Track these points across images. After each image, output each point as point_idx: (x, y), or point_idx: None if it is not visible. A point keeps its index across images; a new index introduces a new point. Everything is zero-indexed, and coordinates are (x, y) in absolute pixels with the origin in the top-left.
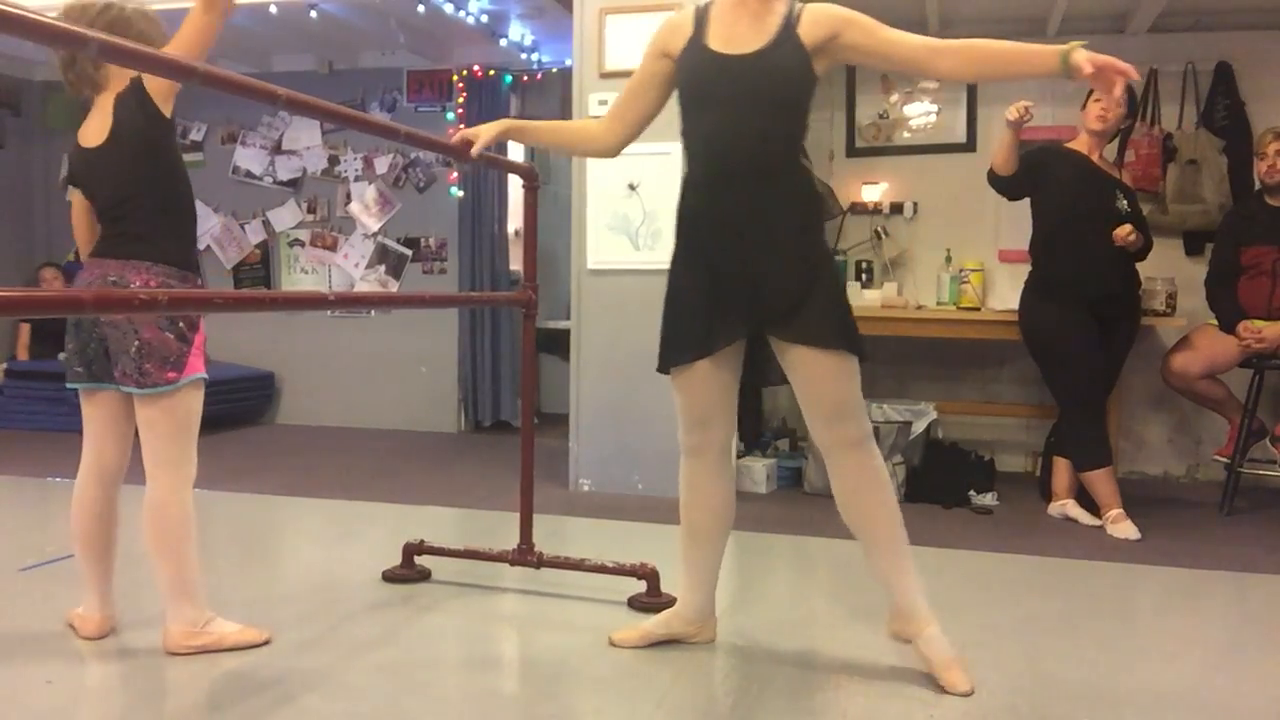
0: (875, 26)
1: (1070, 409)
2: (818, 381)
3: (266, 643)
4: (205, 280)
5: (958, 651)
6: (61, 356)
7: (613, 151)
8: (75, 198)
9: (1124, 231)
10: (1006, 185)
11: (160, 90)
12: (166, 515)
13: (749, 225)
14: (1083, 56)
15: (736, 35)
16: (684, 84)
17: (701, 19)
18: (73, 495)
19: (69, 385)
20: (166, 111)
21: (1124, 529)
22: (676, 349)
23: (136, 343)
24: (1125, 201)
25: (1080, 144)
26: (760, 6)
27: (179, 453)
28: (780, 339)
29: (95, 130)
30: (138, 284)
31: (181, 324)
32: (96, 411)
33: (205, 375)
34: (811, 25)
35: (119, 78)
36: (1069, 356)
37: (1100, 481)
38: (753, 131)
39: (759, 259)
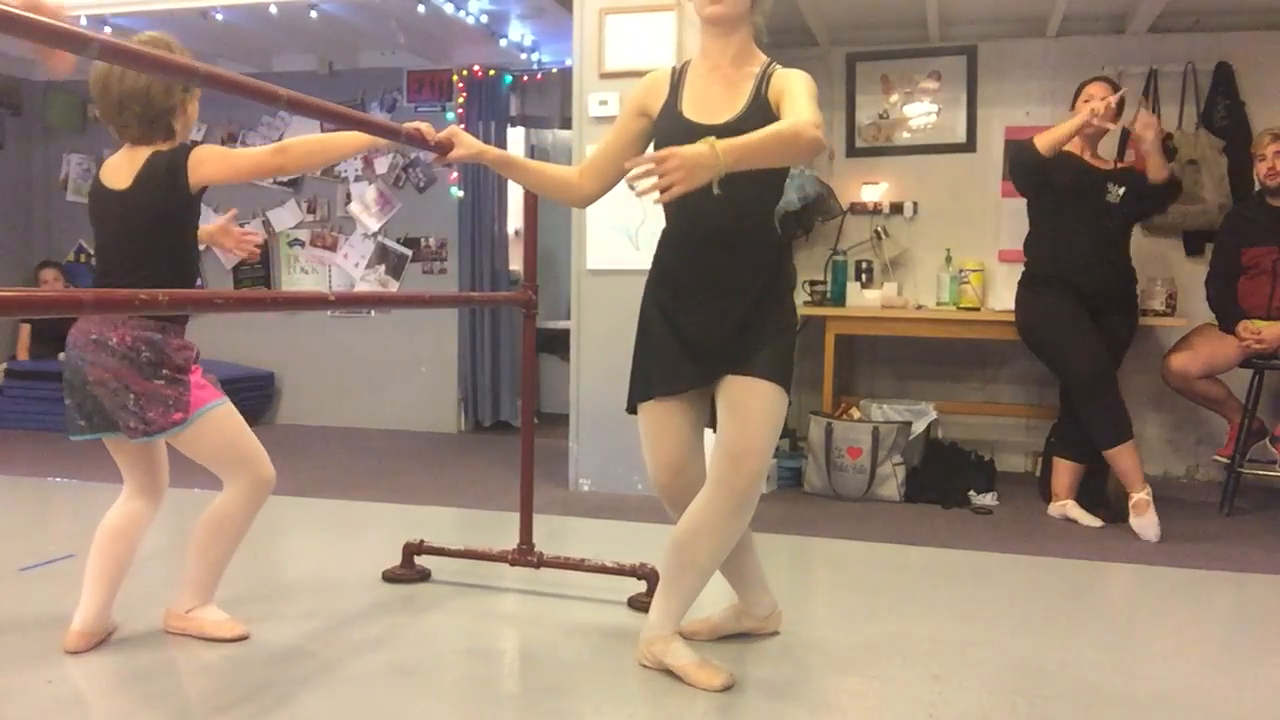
0: (796, 96)
1: (1080, 391)
2: (740, 408)
3: (243, 638)
4: (202, 283)
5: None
6: (61, 357)
7: (585, 203)
8: None
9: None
10: (1032, 169)
11: (203, 175)
12: (219, 520)
13: (719, 288)
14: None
15: (710, 102)
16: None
17: (678, 82)
18: (113, 504)
19: (72, 437)
20: (194, 186)
21: (1146, 523)
22: (643, 387)
23: (132, 396)
24: (1119, 189)
25: (1072, 145)
26: (734, 73)
27: (234, 469)
28: (723, 373)
29: (119, 174)
30: (114, 339)
31: (165, 371)
32: (118, 455)
33: (218, 402)
34: (775, 84)
35: (164, 139)
36: (1064, 339)
37: (1125, 457)
38: (723, 202)
39: (726, 320)
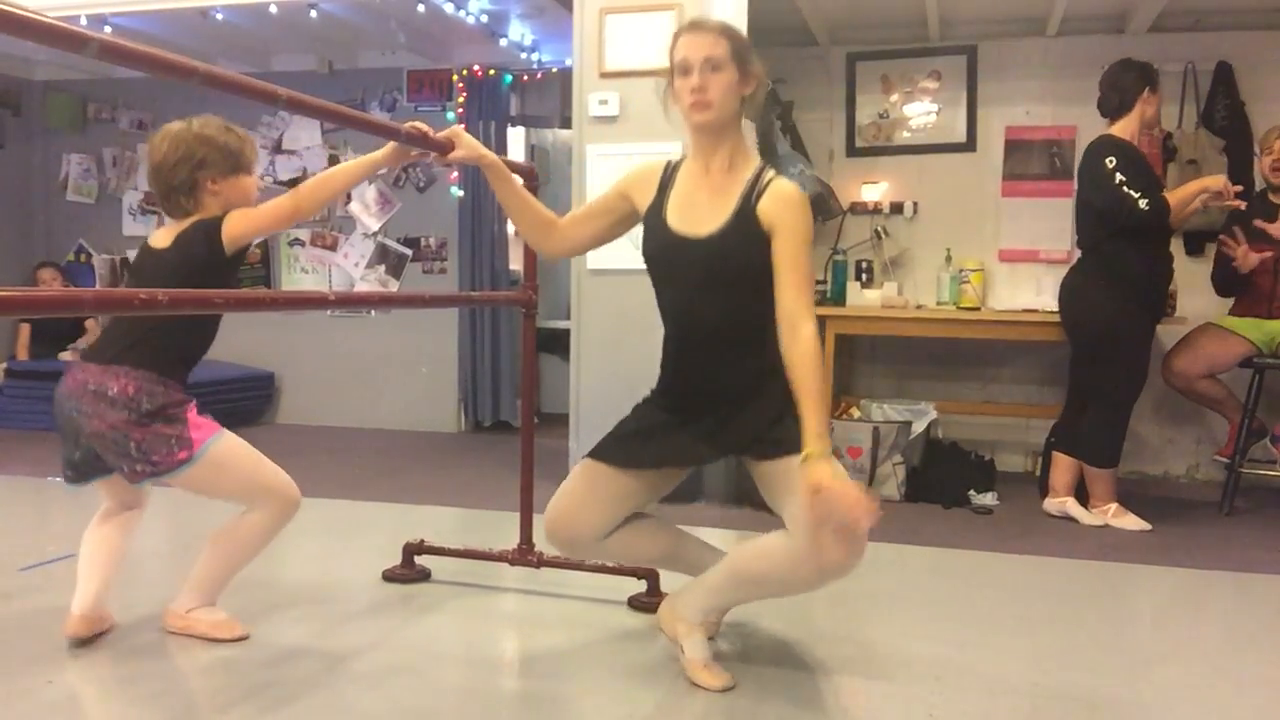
0: (796, 249)
1: (1110, 406)
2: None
3: (243, 638)
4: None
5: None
6: (63, 357)
7: (552, 254)
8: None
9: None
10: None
11: (232, 234)
12: (242, 533)
13: (716, 393)
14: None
15: (696, 209)
16: (647, 256)
17: (667, 181)
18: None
19: (69, 487)
20: (229, 249)
21: (1131, 521)
22: (619, 451)
23: (133, 443)
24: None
25: (1127, 133)
26: (724, 179)
27: (260, 498)
28: (757, 459)
29: (163, 235)
30: (114, 389)
31: (166, 414)
32: (106, 488)
33: (219, 435)
34: (770, 205)
35: (209, 208)
36: (1132, 358)
37: (1106, 480)
38: (712, 313)
39: (725, 421)
